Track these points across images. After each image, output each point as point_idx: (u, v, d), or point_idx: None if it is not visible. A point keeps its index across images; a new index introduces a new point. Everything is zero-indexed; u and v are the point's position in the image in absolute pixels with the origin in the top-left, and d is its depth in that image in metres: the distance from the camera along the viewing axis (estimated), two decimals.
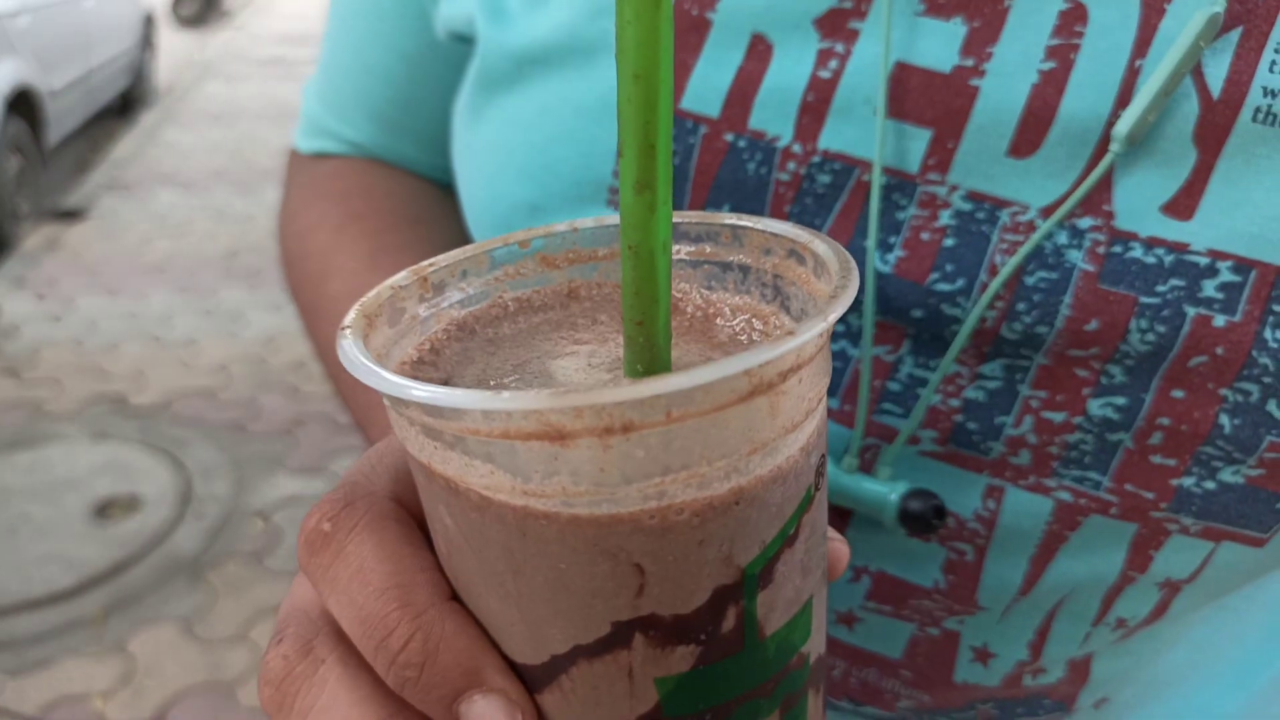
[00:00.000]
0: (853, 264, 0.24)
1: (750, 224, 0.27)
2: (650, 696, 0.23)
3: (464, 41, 0.48)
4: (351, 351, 0.22)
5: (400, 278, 0.27)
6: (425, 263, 0.28)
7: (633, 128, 0.20)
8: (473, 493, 0.22)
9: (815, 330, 0.21)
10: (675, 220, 0.28)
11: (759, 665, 0.23)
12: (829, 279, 0.24)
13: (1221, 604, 0.38)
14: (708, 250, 0.28)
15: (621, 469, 0.20)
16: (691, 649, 0.22)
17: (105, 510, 2.45)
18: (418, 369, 0.26)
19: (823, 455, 0.24)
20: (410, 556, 0.24)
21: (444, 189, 0.59)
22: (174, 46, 8.31)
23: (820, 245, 0.25)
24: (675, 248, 0.28)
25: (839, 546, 0.28)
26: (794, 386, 0.22)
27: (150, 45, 6.56)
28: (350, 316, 0.24)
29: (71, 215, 4.46)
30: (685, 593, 0.22)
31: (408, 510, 0.25)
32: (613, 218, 0.29)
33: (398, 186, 0.57)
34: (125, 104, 6.19)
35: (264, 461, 2.66)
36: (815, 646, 0.26)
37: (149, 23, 6.44)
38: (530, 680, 0.24)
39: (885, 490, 0.34)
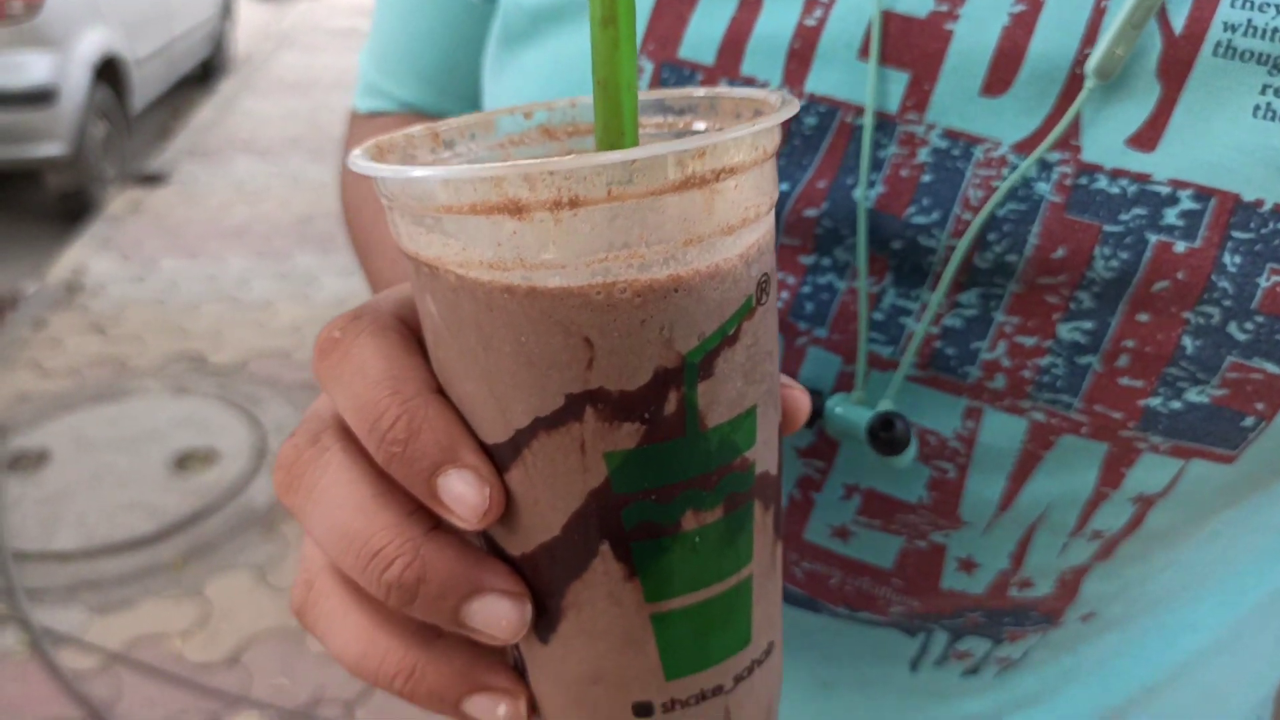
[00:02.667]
0: (793, 99, 0.26)
1: (721, 93, 0.30)
2: (600, 470, 0.25)
3: (491, 1, 0.52)
4: (358, 157, 0.25)
5: (414, 130, 0.29)
6: (438, 122, 0.30)
7: None
8: (449, 273, 0.24)
9: (741, 131, 0.23)
10: (659, 96, 0.31)
11: (700, 454, 0.25)
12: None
13: (1213, 531, 0.39)
14: (687, 120, 0.31)
15: (570, 243, 0.23)
16: (636, 427, 0.24)
17: (184, 462, 2.56)
18: None
19: (767, 274, 0.26)
20: (404, 355, 0.27)
21: None
22: (252, 17, 8.46)
23: (774, 96, 0.27)
24: (660, 120, 0.31)
25: (798, 395, 0.30)
26: (729, 189, 0.24)
27: (229, 15, 6.70)
28: (364, 146, 0.27)
29: (154, 180, 4.60)
30: (630, 369, 0.24)
31: (408, 327, 0.28)
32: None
33: None
34: (205, 73, 6.33)
35: None
36: (762, 460, 0.27)
37: None
38: (499, 459, 0.26)
39: (855, 417, 0.37)
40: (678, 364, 0.24)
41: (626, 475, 0.25)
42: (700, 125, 0.31)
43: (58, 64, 3.85)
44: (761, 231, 0.26)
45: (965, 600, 0.40)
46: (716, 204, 0.24)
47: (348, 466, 0.27)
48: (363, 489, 0.27)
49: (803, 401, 0.30)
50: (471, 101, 0.60)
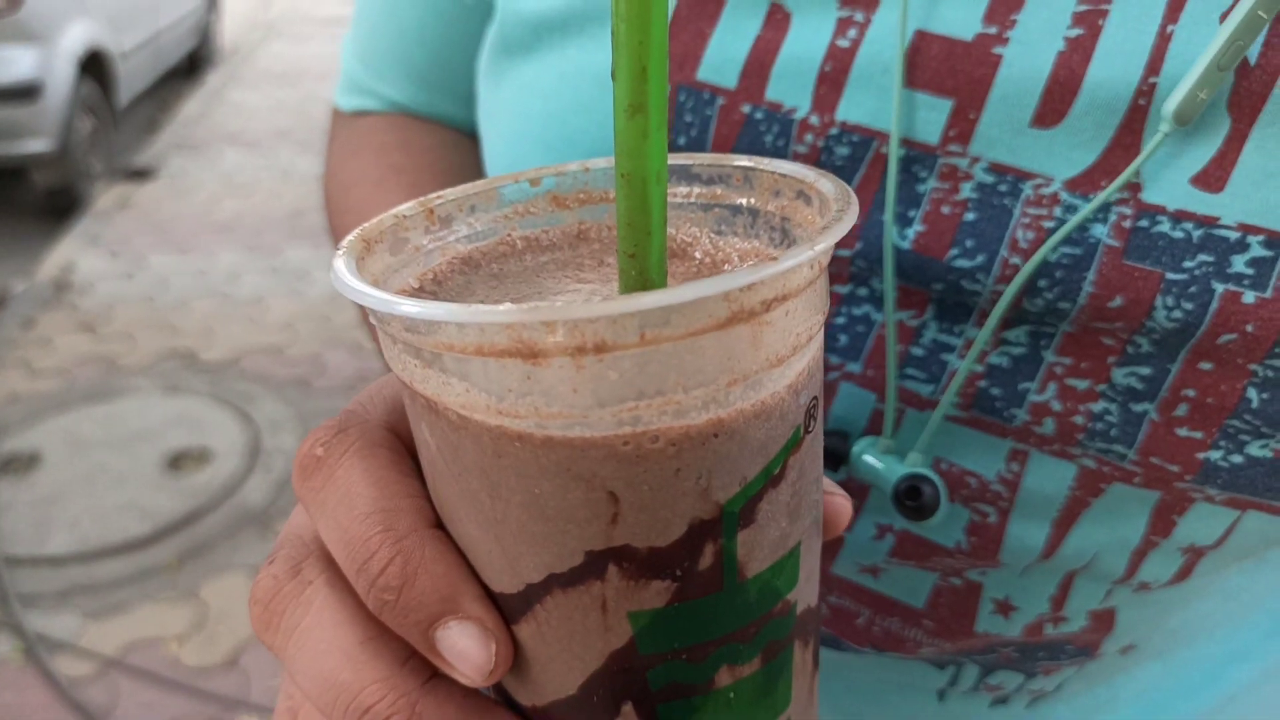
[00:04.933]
0: (852, 198, 0.23)
1: (760, 165, 0.27)
2: (624, 631, 0.22)
3: (486, 3, 0.49)
4: (341, 270, 0.22)
5: (406, 208, 0.27)
6: (433, 195, 0.27)
7: (626, 49, 0.20)
8: (450, 412, 0.21)
9: (799, 258, 0.20)
10: (686, 162, 0.28)
11: (739, 608, 0.23)
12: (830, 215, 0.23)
13: (1261, 557, 0.37)
14: (718, 193, 0.28)
15: (595, 391, 0.20)
16: (667, 584, 0.22)
17: (177, 462, 2.53)
18: (417, 296, 0.25)
19: (815, 398, 0.24)
20: (397, 483, 0.24)
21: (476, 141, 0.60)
22: (238, 7, 8.40)
23: (825, 183, 0.24)
24: (687, 190, 0.28)
25: (840, 501, 0.27)
26: (779, 318, 0.21)
27: (215, 6, 6.64)
28: (348, 240, 0.24)
29: (142, 175, 4.56)
30: (660, 524, 0.21)
31: (401, 440, 0.26)
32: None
33: (434, 141, 0.58)
34: (192, 65, 6.28)
35: (329, 416, 2.70)
36: (804, 597, 0.25)
37: None
38: (507, 610, 0.23)
39: (884, 470, 0.34)
40: (715, 515, 0.21)
41: (654, 636, 0.22)
42: (740, 200, 0.27)
43: (42, 58, 3.80)
44: (813, 353, 0.23)
45: (999, 641, 0.38)
46: (765, 336, 0.21)
47: (333, 606, 0.24)
48: (350, 633, 0.24)
49: (844, 509, 0.28)
50: (465, 100, 0.57)
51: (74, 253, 3.73)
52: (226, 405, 2.77)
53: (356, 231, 0.25)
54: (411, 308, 0.20)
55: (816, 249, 0.20)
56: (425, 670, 0.24)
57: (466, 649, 0.23)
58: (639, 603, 0.22)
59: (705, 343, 0.20)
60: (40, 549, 2.23)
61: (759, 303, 0.20)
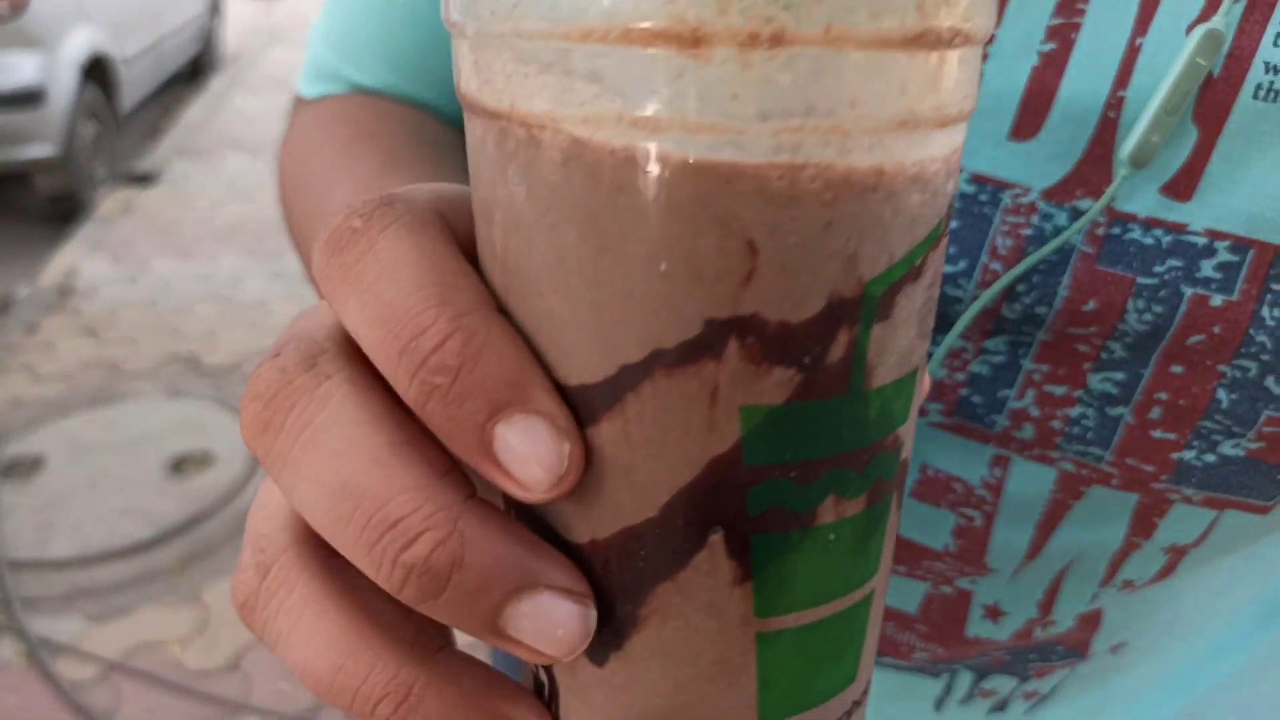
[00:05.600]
0: None
1: None
2: (732, 431, 0.18)
3: None
4: None
5: None
6: None
7: None
8: (561, 135, 0.17)
9: None
10: None
11: (859, 421, 0.19)
12: None
13: (1248, 552, 0.38)
14: None
15: (758, 97, 0.16)
16: (791, 374, 0.18)
17: (180, 466, 2.53)
18: None
19: (954, 199, 0.20)
20: (455, 259, 0.20)
21: (461, 131, 0.55)
22: (241, 13, 8.43)
23: None
24: None
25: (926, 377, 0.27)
26: (955, 62, 0.18)
27: (218, 12, 6.66)
28: None
29: (145, 180, 4.57)
30: (799, 292, 0.18)
31: (453, 232, 0.21)
32: None
33: (411, 114, 0.53)
34: (195, 70, 6.30)
35: None
36: (908, 442, 0.21)
37: None
38: (584, 406, 0.19)
39: None
40: (857, 294, 0.18)
41: (766, 440, 0.18)
42: None
43: (45, 64, 3.81)
44: (962, 138, 0.20)
45: (990, 645, 0.39)
46: (943, 77, 0.18)
47: (357, 401, 0.20)
48: (378, 434, 0.19)
49: (927, 382, 0.27)
50: (450, 91, 0.53)
51: (77, 258, 3.74)
52: (229, 409, 2.78)
53: None
54: None
55: None
56: (467, 486, 0.20)
57: (533, 450, 0.18)
58: (756, 394, 0.18)
59: (887, 61, 0.17)
60: (43, 553, 2.24)
61: (947, 29, 0.17)
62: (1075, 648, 0.39)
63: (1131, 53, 0.30)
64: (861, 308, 0.18)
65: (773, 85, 0.16)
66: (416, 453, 0.19)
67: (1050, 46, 0.31)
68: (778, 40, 0.16)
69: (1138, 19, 0.30)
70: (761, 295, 0.17)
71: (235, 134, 5.28)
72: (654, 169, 0.17)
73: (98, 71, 4.36)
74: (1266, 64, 0.28)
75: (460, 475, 0.20)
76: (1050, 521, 0.35)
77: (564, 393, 0.19)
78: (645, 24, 0.16)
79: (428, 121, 0.53)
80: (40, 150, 3.81)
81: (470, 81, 0.19)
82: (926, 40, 0.17)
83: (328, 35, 0.55)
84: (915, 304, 0.19)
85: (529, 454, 0.18)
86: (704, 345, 0.18)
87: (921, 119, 0.18)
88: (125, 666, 1.95)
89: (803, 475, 0.19)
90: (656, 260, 0.17)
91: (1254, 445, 0.32)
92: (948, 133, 0.19)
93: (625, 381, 0.18)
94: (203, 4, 6.14)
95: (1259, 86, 0.29)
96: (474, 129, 0.20)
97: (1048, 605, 0.37)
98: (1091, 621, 0.38)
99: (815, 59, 0.16)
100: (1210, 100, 0.29)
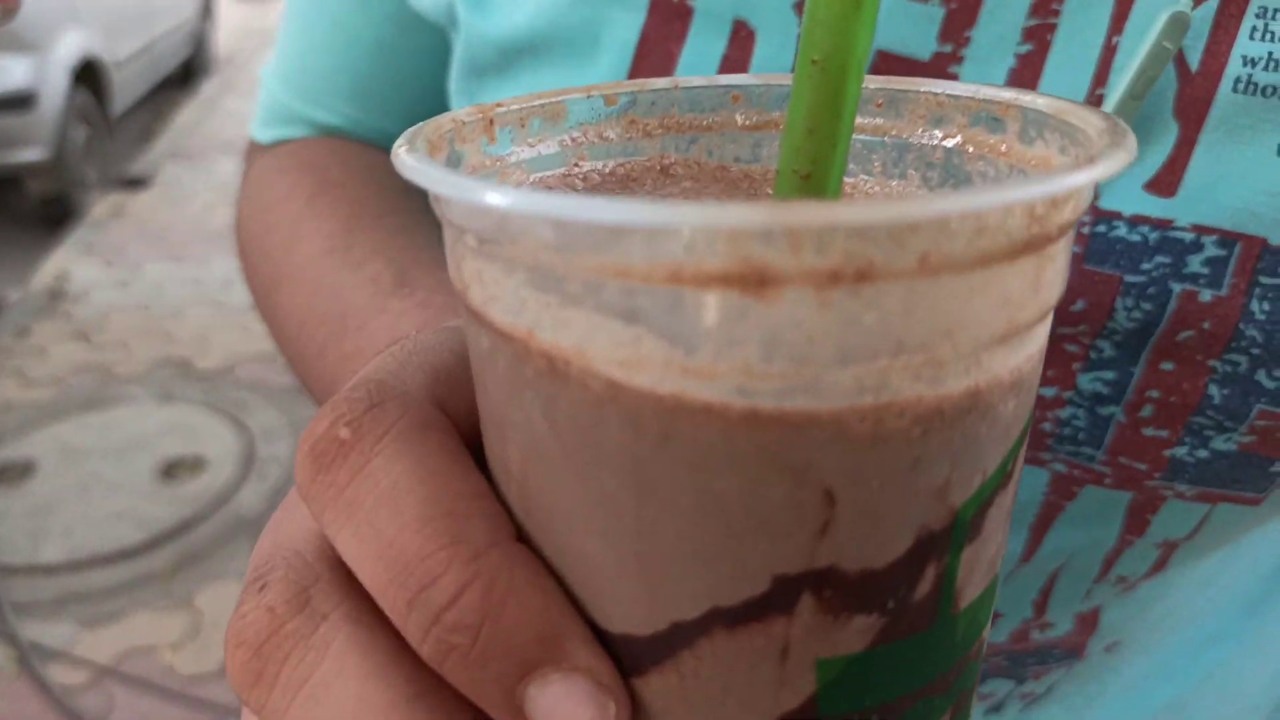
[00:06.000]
0: (1120, 127, 0.17)
1: (915, 86, 0.21)
2: (806, 686, 0.16)
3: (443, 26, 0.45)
4: (422, 164, 0.16)
5: (463, 113, 0.20)
6: (490, 103, 0.21)
7: None
8: (593, 376, 0.15)
9: (1116, 161, 0.15)
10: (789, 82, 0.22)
11: (945, 649, 0.17)
12: (1055, 143, 0.18)
13: (1235, 545, 0.39)
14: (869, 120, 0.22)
15: (840, 341, 0.14)
16: (872, 621, 0.16)
17: (172, 470, 2.53)
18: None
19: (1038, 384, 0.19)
20: (462, 478, 0.18)
21: None
22: (233, 16, 8.41)
23: (1041, 100, 0.18)
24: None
25: None
26: (1061, 251, 0.16)
27: (210, 15, 6.64)
28: (408, 136, 0.18)
29: (136, 183, 4.56)
30: (883, 537, 0.15)
31: (453, 421, 0.19)
32: (723, 77, 0.23)
33: (377, 158, 0.51)
34: (187, 74, 6.28)
35: None
36: (987, 634, 0.20)
37: None
38: (631, 657, 0.17)
39: None
40: (947, 523, 0.16)
41: (843, 691, 0.16)
42: (878, 130, 0.21)
43: (36, 68, 3.80)
44: (1050, 319, 0.18)
45: (988, 649, 0.39)
46: (1046, 275, 0.16)
47: (361, 650, 0.17)
48: (390, 689, 0.17)
49: None
50: (412, 121, 0.51)
51: (68, 261, 3.73)
52: (221, 413, 2.77)
53: (415, 129, 0.19)
54: (581, 207, 0.13)
55: (1104, 165, 0.15)
56: None
57: (573, 713, 0.16)
58: (833, 647, 0.16)
59: (991, 278, 0.14)
60: (34, 558, 2.23)
61: (1055, 227, 0.15)
62: (1073, 650, 0.39)
63: (1108, 51, 0.30)
64: (952, 536, 0.16)
65: (856, 326, 0.14)
66: (435, 707, 0.17)
67: (1027, 48, 0.31)
68: (863, 277, 0.13)
69: (1113, 17, 0.30)
70: (840, 546, 0.15)
71: (227, 137, 5.26)
72: (709, 420, 0.14)
73: (89, 75, 4.34)
74: (1244, 57, 0.28)
75: None
76: (1044, 523, 0.35)
77: (604, 640, 0.17)
78: (700, 265, 0.13)
79: (389, 167, 0.50)
80: (31, 154, 3.80)
81: (474, 290, 0.16)
82: (1035, 244, 0.15)
83: (284, 76, 0.53)
84: (1004, 507, 0.17)
85: (568, 716, 0.16)
86: (773, 602, 0.16)
87: (1024, 324, 0.15)
88: (117, 672, 1.95)
89: (885, 715, 0.17)
90: (714, 514, 0.15)
91: (1246, 439, 0.32)
92: (1046, 321, 0.17)
93: (678, 639, 0.16)
94: (194, 7, 6.12)
95: (1237, 80, 0.29)
96: (477, 336, 0.17)
97: (1042, 605, 0.37)
98: (1089, 623, 0.38)
99: (907, 293, 0.14)
100: (1189, 95, 0.29)
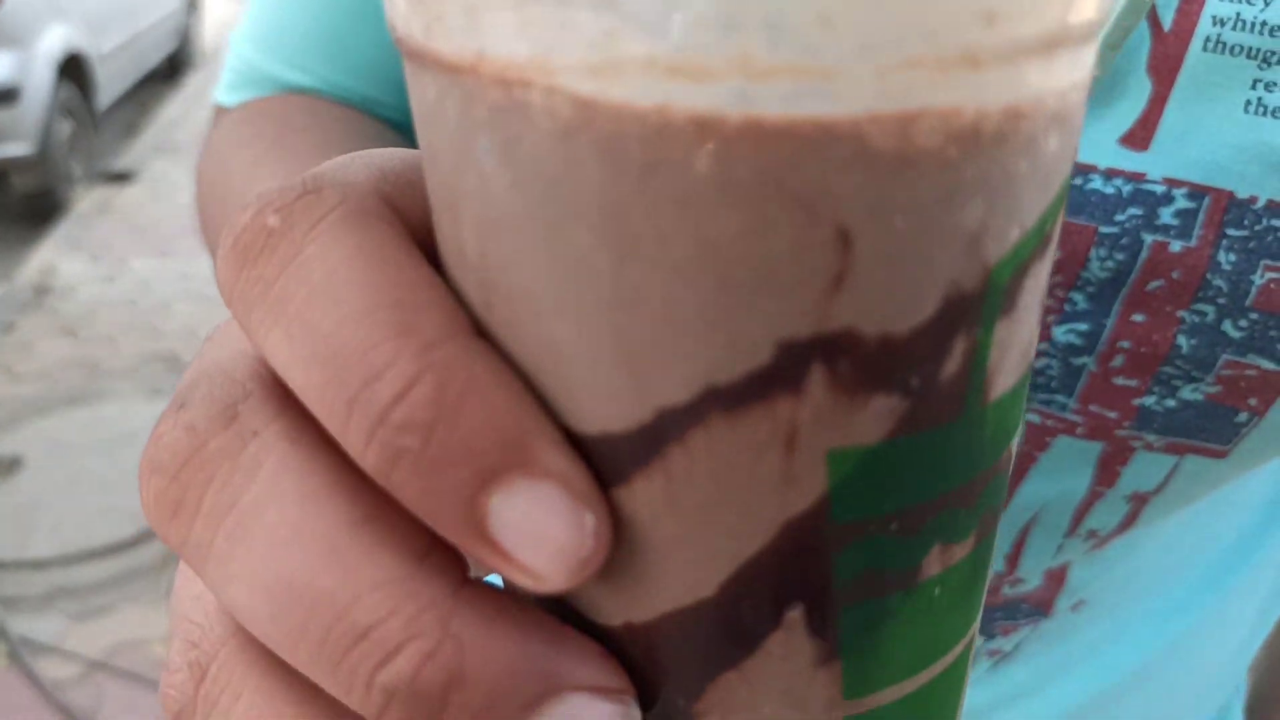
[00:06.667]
0: None
1: None
2: (815, 484, 0.14)
3: None
4: None
5: None
6: None
7: None
8: (559, 95, 0.12)
9: None
10: None
11: (974, 449, 0.15)
12: None
13: (1196, 510, 0.40)
14: None
15: (859, 21, 0.11)
16: (893, 403, 0.13)
17: None
18: None
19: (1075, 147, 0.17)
20: (414, 264, 0.15)
21: (412, 140, 0.49)
22: (218, 9, 8.36)
23: None
24: None
25: None
26: None
27: (195, 9, 6.61)
28: None
29: (122, 178, 4.54)
30: (906, 293, 0.13)
31: (402, 217, 0.16)
32: None
33: (349, 113, 0.47)
34: (172, 67, 6.25)
35: None
36: (1014, 443, 0.17)
37: None
38: (610, 460, 0.14)
39: None
40: (980, 285, 0.13)
41: (859, 491, 0.14)
42: None
43: (19, 62, 3.78)
44: (1095, 46, 0.15)
45: None
46: None
47: (298, 467, 0.15)
48: (331, 511, 0.14)
49: None
50: (394, 88, 0.49)
51: (54, 256, 3.71)
52: None
53: None
54: None
55: None
56: (455, 570, 0.14)
57: (544, 524, 0.13)
58: (847, 434, 0.13)
59: None
60: (22, 552, 2.23)
61: None
62: (1039, 606, 0.41)
63: None
64: (985, 302, 0.14)
65: (875, 3, 0.11)
66: (384, 533, 0.14)
67: None
68: None
69: None
70: (857, 302, 0.13)
71: None
72: (703, 137, 0.12)
73: (74, 69, 4.31)
74: (1214, 17, 0.30)
75: (444, 556, 0.15)
76: (1017, 475, 0.36)
77: (579, 444, 0.14)
78: None
79: (367, 122, 0.48)
80: (15, 149, 3.78)
81: (411, 21, 0.13)
82: None
83: (256, 37, 0.50)
84: (1040, 282, 0.15)
85: (538, 531, 0.13)
86: (777, 377, 0.13)
87: (1073, 32, 0.13)
88: (107, 665, 1.95)
89: (905, 526, 0.14)
90: (708, 267, 0.12)
91: (1212, 389, 0.33)
92: (1090, 45, 0.14)
93: (666, 430, 0.13)
94: (179, 1, 6.09)
95: (1208, 39, 0.30)
96: (423, 89, 0.14)
97: (1014, 559, 0.38)
98: (1057, 579, 0.39)
99: None
100: (1162, 53, 0.31)
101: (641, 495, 0.14)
